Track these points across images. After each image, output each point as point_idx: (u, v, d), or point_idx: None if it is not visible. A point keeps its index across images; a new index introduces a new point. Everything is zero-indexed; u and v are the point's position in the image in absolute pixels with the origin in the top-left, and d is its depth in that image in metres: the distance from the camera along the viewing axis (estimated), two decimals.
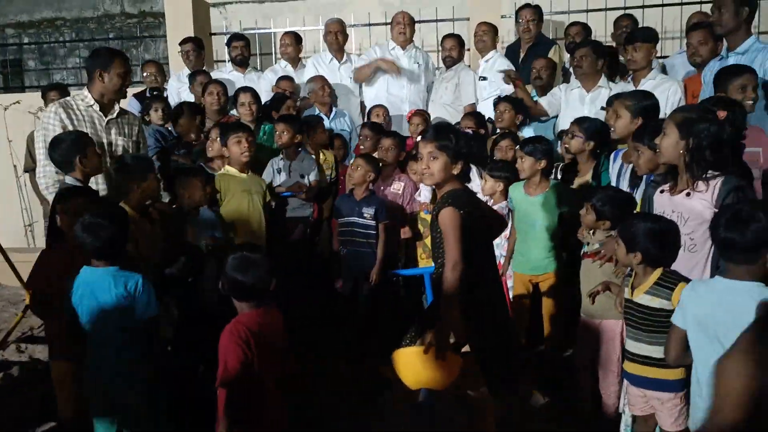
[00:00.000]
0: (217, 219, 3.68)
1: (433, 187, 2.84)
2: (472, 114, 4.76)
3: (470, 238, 2.39)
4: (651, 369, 2.35)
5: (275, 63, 6.13)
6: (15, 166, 6.33)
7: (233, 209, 3.78)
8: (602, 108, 3.59)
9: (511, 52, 5.41)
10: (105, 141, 3.42)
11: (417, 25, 5.72)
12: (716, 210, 2.31)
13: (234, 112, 4.88)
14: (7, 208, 6.53)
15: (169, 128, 4.54)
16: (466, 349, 2.52)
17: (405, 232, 4.11)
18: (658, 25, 6.11)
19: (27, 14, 9.47)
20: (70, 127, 3.29)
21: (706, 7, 4.81)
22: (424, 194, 4.11)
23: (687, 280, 2.31)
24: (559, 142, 4.22)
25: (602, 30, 6.12)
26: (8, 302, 5.34)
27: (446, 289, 2.34)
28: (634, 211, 2.89)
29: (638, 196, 3.02)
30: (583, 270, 3.03)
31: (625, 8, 5.91)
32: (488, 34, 5.23)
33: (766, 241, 1.91)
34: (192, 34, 6.41)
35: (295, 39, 5.68)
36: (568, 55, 5.00)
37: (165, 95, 5.37)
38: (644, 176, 2.93)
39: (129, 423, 2.49)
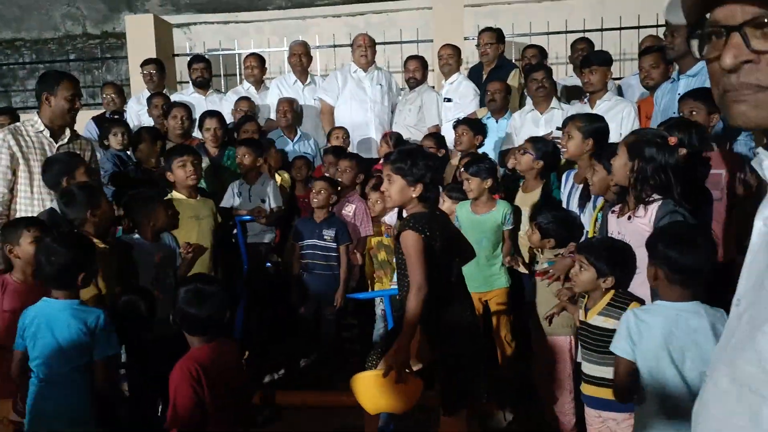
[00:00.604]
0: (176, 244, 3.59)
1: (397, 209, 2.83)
2: (432, 135, 4.79)
3: (436, 259, 2.38)
4: (606, 390, 2.37)
5: (239, 84, 6.10)
6: None
7: (180, 236, 3.65)
8: (558, 128, 3.65)
9: (474, 74, 5.48)
10: None
11: (381, 47, 5.76)
12: (649, 230, 2.37)
13: (197, 134, 4.84)
14: None
15: (128, 153, 4.45)
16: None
17: (355, 258, 4.07)
18: (617, 47, 6.30)
19: None
20: (19, 154, 3.21)
21: (661, 31, 4.94)
22: (389, 217, 4.11)
23: (640, 301, 2.34)
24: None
25: (563, 52, 6.25)
26: None
27: (408, 312, 2.32)
28: (580, 231, 2.95)
29: (586, 216, 3.08)
30: (537, 289, 3.07)
31: (585, 31, 6.05)
32: (453, 57, 5.30)
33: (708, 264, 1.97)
34: (154, 55, 6.35)
35: (260, 61, 5.67)
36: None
37: (125, 118, 5.28)
38: (593, 197, 2.99)
39: None
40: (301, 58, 5.42)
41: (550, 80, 4.50)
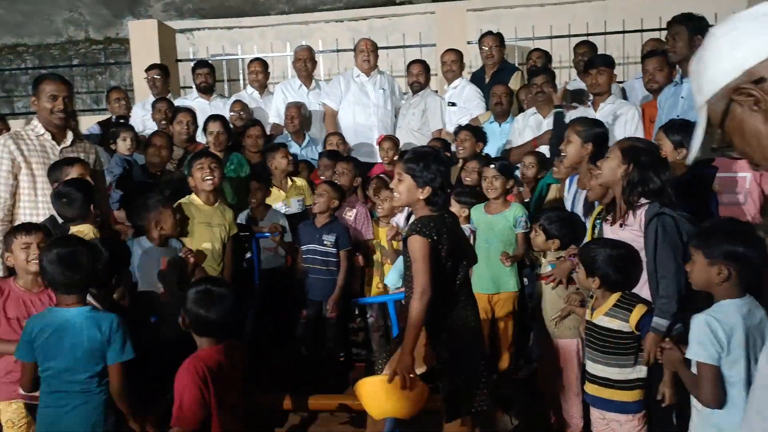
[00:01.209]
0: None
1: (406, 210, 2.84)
2: (438, 139, 4.80)
3: (442, 264, 2.38)
4: (609, 390, 2.39)
5: (243, 89, 6.12)
6: None
7: (193, 242, 3.62)
8: None
9: (477, 78, 5.49)
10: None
11: (384, 51, 5.78)
12: (642, 235, 2.39)
13: (201, 139, 4.85)
14: None
15: (133, 157, 4.46)
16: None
17: (358, 261, 4.07)
18: (620, 50, 6.31)
19: None
20: (20, 159, 3.20)
21: (664, 34, 4.95)
22: (398, 219, 4.12)
23: (646, 302, 2.35)
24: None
25: (566, 56, 6.26)
26: None
27: (412, 316, 2.32)
28: (584, 233, 2.96)
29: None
30: (542, 291, 3.08)
31: (588, 35, 6.06)
32: (456, 63, 5.31)
33: None
34: (158, 61, 6.37)
35: (264, 66, 5.69)
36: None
37: (130, 123, 5.30)
38: (596, 202, 3.00)
39: None
40: (306, 63, 5.44)
41: (550, 85, 4.50)
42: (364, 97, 5.30)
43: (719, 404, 1.93)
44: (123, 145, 4.35)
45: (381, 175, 4.48)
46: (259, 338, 4.09)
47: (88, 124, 6.33)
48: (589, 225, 2.97)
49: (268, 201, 4.32)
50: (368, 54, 5.28)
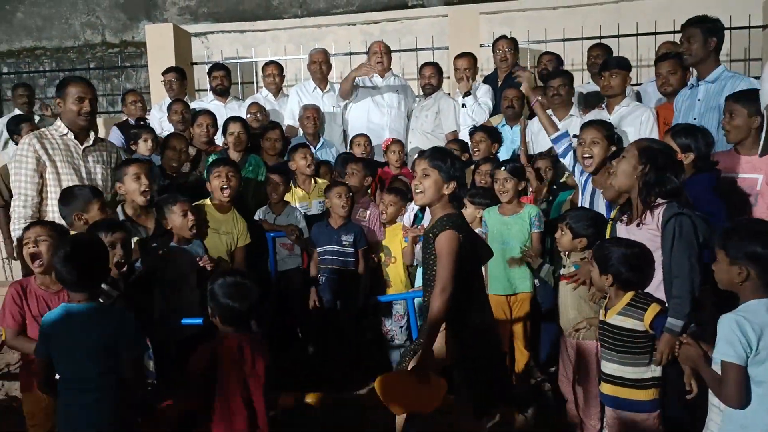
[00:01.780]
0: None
1: (426, 207, 2.86)
2: (456, 141, 4.84)
3: (464, 262, 2.41)
4: (624, 390, 2.40)
5: (257, 92, 6.17)
6: None
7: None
8: (574, 136, 3.66)
9: (490, 81, 5.51)
10: (83, 169, 3.41)
11: (397, 54, 5.81)
12: (659, 235, 2.40)
13: (218, 140, 4.91)
14: None
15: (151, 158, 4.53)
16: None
17: (373, 261, 4.11)
18: (633, 53, 6.30)
19: (6, 43, 9.43)
20: (45, 158, 3.28)
21: (679, 36, 4.95)
22: (407, 218, 4.15)
23: (660, 302, 2.37)
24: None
25: (578, 59, 6.27)
26: None
27: (433, 311, 2.35)
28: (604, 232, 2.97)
29: None
30: (559, 291, 3.09)
31: (601, 37, 6.06)
32: (469, 70, 5.29)
33: None
34: (173, 64, 6.44)
35: (280, 69, 5.74)
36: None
37: (147, 124, 5.38)
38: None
39: None
40: (321, 66, 5.48)
41: (566, 87, 4.50)
42: (378, 98, 5.34)
43: (742, 404, 1.94)
44: (144, 146, 4.42)
45: (400, 176, 4.52)
46: (272, 338, 4.14)
47: (104, 126, 6.43)
48: (608, 226, 2.98)
49: (291, 202, 4.37)
50: (381, 56, 5.33)
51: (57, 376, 2.34)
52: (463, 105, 5.27)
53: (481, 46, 6.45)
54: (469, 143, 4.63)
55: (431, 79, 5.34)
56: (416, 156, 2.91)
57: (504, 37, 5.42)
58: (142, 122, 5.23)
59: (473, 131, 4.54)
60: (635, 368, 2.39)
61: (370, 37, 7.12)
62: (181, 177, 4.35)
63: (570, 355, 3.03)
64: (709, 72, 3.53)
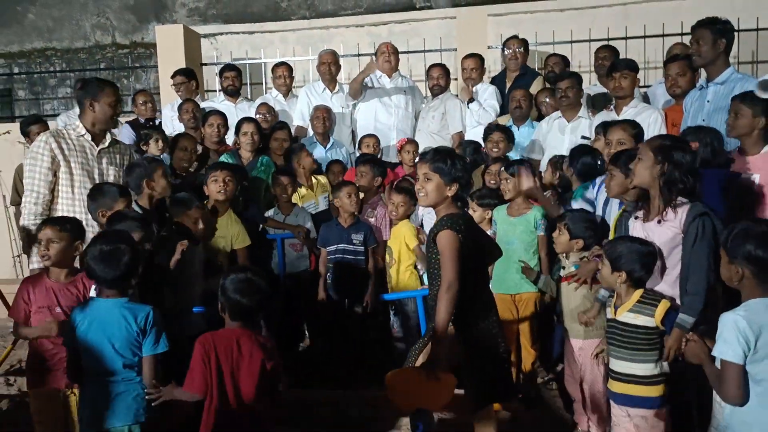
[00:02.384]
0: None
1: (430, 209, 2.89)
2: (471, 141, 4.86)
3: (466, 261, 2.44)
4: (635, 387, 2.42)
5: (265, 92, 6.21)
6: (4, 197, 6.31)
7: None
8: (583, 137, 3.68)
9: (497, 83, 5.54)
10: (96, 170, 3.45)
11: (405, 56, 5.84)
12: (682, 234, 2.41)
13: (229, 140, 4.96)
14: None
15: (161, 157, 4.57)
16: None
17: (380, 261, 4.14)
18: (641, 55, 6.31)
19: (18, 44, 9.54)
20: (60, 157, 3.31)
21: (687, 38, 4.96)
22: (417, 218, 4.18)
23: (668, 299, 2.39)
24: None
25: (586, 60, 6.28)
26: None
27: (439, 309, 2.38)
28: (603, 232, 3.00)
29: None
30: (562, 293, 3.12)
31: (608, 39, 6.07)
32: (476, 71, 5.35)
33: None
34: (183, 65, 6.49)
35: (290, 70, 5.79)
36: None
37: (157, 124, 5.43)
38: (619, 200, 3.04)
39: None
40: (330, 67, 5.51)
41: (575, 89, 4.51)
42: (385, 99, 5.38)
43: (741, 402, 1.97)
44: (155, 147, 4.47)
45: (407, 176, 4.55)
46: (280, 337, 4.17)
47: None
48: (612, 223, 3.00)
49: (299, 201, 4.41)
50: (389, 55, 5.37)
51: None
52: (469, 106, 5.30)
53: (489, 47, 6.47)
54: (484, 143, 4.62)
55: (439, 80, 5.38)
56: (418, 158, 2.94)
57: (515, 36, 5.45)
58: (150, 122, 5.27)
59: (491, 130, 4.53)
60: (645, 365, 2.41)
61: (378, 38, 7.15)
62: (190, 176, 4.40)
63: (575, 355, 3.05)
64: (718, 73, 3.55)
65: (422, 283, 3.95)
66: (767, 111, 2.97)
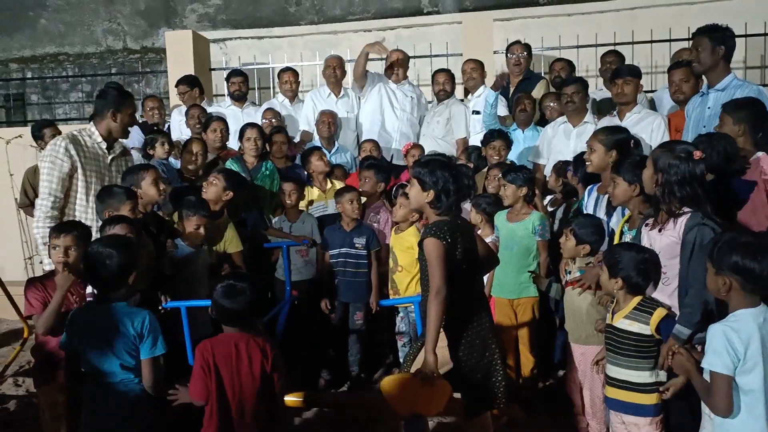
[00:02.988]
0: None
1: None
2: (475, 147, 4.91)
3: (453, 268, 2.46)
4: (629, 393, 2.43)
5: (273, 97, 6.27)
6: (16, 200, 6.41)
7: None
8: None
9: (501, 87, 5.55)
10: (107, 178, 3.51)
11: (412, 60, 5.88)
12: (680, 243, 2.42)
13: (230, 144, 5.01)
14: (7, 241, 6.58)
15: (168, 161, 4.64)
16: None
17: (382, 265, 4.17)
18: (648, 60, 6.31)
19: (30, 49, 9.67)
20: (78, 162, 3.35)
21: None
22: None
23: (665, 307, 2.39)
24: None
25: (593, 65, 6.28)
26: (7, 336, 5.37)
27: (430, 315, 2.42)
28: (608, 239, 3.00)
29: (614, 224, 3.13)
30: (566, 297, 3.12)
31: (615, 44, 6.07)
32: (476, 71, 5.40)
33: None
34: (192, 70, 6.58)
35: (296, 75, 5.85)
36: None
37: (167, 128, 5.50)
38: (618, 207, 3.04)
39: None
40: (335, 71, 5.56)
41: (580, 95, 4.51)
42: (395, 102, 5.42)
43: (729, 414, 1.96)
44: (161, 150, 4.54)
45: (406, 182, 4.57)
46: (286, 343, 4.21)
47: None
48: (617, 230, 3.02)
49: (308, 199, 4.47)
50: (397, 68, 5.41)
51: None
52: (476, 112, 5.32)
53: (495, 52, 6.49)
54: (483, 148, 4.64)
55: (445, 85, 5.41)
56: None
57: (518, 41, 5.47)
58: (155, 127, 5.34)
59: (492, 137, 4.53)
60: (640, 372, 2.42)
61: (386, 43, 7.18)
62: (198, 180, 4.45)
63: (577, 360, 3.06)
64: (718, 80, 3.55)
65: None
66: (750, 117, 2.96)
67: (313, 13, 8.85)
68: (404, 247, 3.89)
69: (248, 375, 2.34)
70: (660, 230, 2.54)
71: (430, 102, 5.75)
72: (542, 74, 5.97)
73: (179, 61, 6.93)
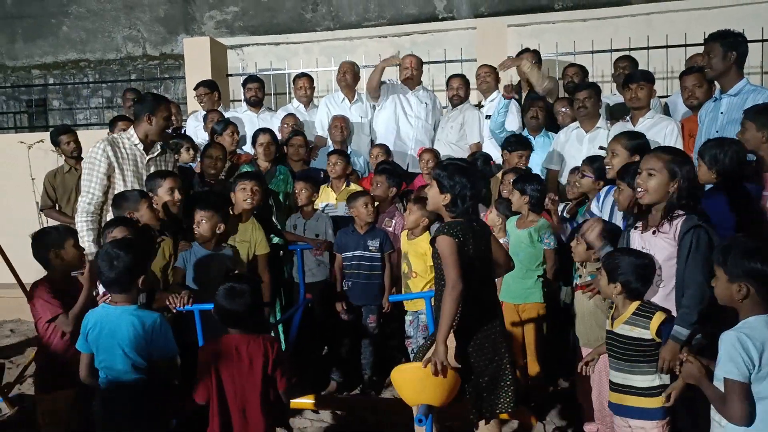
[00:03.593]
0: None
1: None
2: (483, 153, 4.91)
3: (469, 265, 2.50)
4: (633, 398, 2.43)
5: (289, 102, 6.35)
6: (37, 203, 6.54)
7: None
8: (600, 147, 3.70)
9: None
10: (144, 177, 3.66)
11: (426, 66, 5.92)
12: (675, 244, 2.43)
13: (240, 150, 5.08)
14: (28, 243, 6.69)
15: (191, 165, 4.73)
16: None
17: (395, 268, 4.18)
18: (663, 65, 6.29)
19: (52, 55, 9.88)
20: (116, 163, 3.57)
21: None
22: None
23: (664, 311, 2.40)
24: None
25: (608, 71, 6.27)
26: (27, 337, 5.46)
27: (444, 307, 2.45)
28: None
29: None
30: (575, 301, 3.13)
31: (630, 49, 6.06)
32: (490, 75, 5.44)
33: None
34: (209, 76, 6.68)
35: (311, 81, 5.93)
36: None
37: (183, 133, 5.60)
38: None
39: None
40: (348, 77, 5.62)
41: (592, 100, 4.51)
42: (407, 109, 5.46)
43: (747, 422, 1.94)
44: (186, 155, 4.65)
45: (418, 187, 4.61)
46: (299, 345, 4.25)
47: None
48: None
49: (319, 200, 4.51)
50: (412, 71, 5.45)
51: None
52: (489, 117, 5.34)
53: (509, 58, 6.49)
54: (508, 154, 4.60)
55: (459, 90, 5.45)
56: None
57: (526, 50, 5.48)
58: (176, 132, 5.43)
59: (519, 145, 4.52)
60: (643, 376, 2.42)
61: (401, 49, 7.23)
62: (218, 184, 4.52)
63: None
64: (731, 85, 3.54)
65: None
66: None
67: (329, 20, 8.93)
68: (418, 253, 3.91)
69: (249, 376, 2.39)
70: (654, 232, 2.55)
71: (445, 107, 5.78)
72: (556, 78, 5.97)
73: (197, 67, 7.04)
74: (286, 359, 2.48)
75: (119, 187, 3.56)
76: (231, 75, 7.52)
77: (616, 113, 5.04)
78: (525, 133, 4.98)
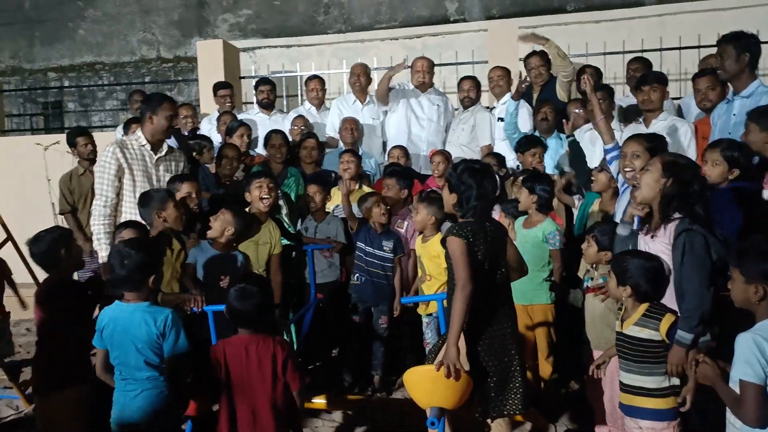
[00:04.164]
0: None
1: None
2: (493, 154, 4.90)
3: (480, 266, 2.52)
4: (644, 399, 2.42)
5: (301, 104, 6.39)
6: (53, 204, 6.62)
7: None
8: None
9: (525, 95, 5.54)
10: (154, 177, 3.75)
11: (438, 68, 5.93)
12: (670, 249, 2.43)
13: (252, 152, 5.11)
14: None
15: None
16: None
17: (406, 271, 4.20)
18: (676, 66, 6.25)
19: (68, 58, 10.02)
20: (125, 165, 3.64)
21: None
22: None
23: (673, 312, 2.40)
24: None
25: (621, 72, 6.24)
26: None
27: (455, 308, 2.46)
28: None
29: None
30: (586, 304, 3.12)
31: (643, 51, 6.03)
32: (503, 78, 5.44)
33: None
34: (222, 78, 6.73)
35: (323, 83, 5.96)
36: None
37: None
38: None
39: None
40: (360, 78, 5.64)
41: (606, 102, 4.49)
42: (419, 111, 5.47)
43: (762, 424, 1.93)
44: (208, 156, 4.71)
45: (435, 188, 4.61)
46: (309, 345, 4.28)
47: None
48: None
49: (330, 201, 4.54)
50: (423, 74, 5.46)
51: None
52: (501, 119, 5.34)
53: (520, 60, 6.46)
54: (522, 154, 4.60)
55: (470, 92, 5.45)
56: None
57: (534, 52, 5.47)
58: (192, 133, 5.48)
59: (536, 144, 4.52)
60: (654, 377, 2.41)
61: (413, 51, 7.26)
62: (233, 186, 4.56)
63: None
64: (744, 87, 3.52)
65: None
66: None
67: (341, 22, 8.98)
68: (431, 255, 3.92)
69: (258, 376, 2.43)
70: (652, 236, 2.57)
71: (456, 109, 5.78)
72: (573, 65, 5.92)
73: (210, 70, 7.10)
74: (295, 361, 2.50)
75: (129, 188, 3.64)
76: (244, 77, 7.58)
77: (629, 115, 5.03)
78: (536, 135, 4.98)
